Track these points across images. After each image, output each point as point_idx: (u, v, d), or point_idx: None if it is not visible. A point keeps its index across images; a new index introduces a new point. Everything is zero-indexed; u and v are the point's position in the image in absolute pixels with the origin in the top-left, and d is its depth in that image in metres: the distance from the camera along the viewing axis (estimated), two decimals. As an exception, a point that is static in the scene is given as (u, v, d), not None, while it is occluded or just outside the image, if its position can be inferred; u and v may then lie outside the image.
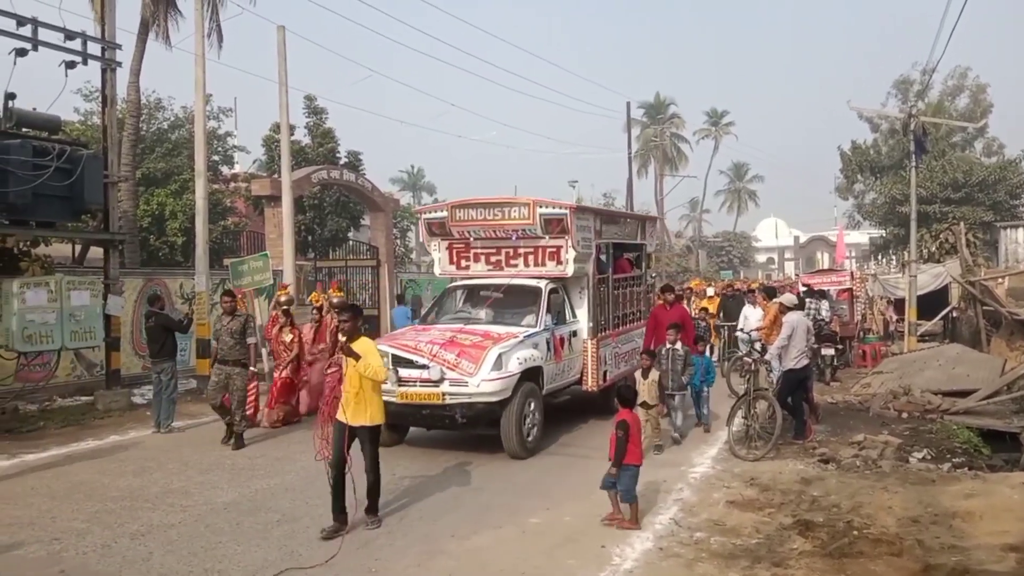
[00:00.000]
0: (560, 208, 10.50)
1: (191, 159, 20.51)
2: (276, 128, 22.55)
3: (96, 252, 16.18)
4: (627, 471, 6.88)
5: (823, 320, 16.22)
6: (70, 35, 12.97)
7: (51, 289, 12.16)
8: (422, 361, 9.21)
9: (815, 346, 12.62)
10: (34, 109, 12.96)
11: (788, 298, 11.42)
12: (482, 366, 9.07)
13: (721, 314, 18.47)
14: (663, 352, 10.22)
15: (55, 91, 13.10)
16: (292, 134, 21.03)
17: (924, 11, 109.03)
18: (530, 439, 9.59)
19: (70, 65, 13.00)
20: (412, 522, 7.05)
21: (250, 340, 10.30)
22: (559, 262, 10.73)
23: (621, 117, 50.89)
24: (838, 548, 6.24)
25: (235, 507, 7.50)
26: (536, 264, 10.89)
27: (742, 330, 14.23)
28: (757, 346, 13.60)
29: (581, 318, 11.25)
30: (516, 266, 11.01)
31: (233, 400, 10.22)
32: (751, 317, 14.97)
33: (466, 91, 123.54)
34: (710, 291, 21.12)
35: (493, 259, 11.24)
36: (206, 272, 15.09)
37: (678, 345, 10.33)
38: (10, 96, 12.14)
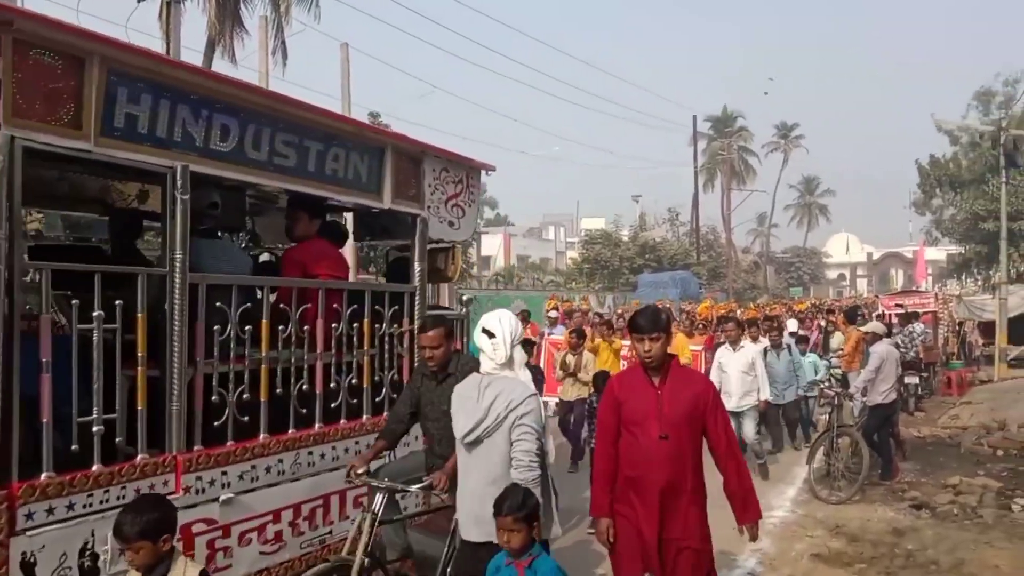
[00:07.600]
0: None
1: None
2: (339, 144, 22.58)
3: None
4: None
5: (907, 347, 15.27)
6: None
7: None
8: None
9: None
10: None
11: (875, 326, 10.63)
12: None
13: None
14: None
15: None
16: (355, 150, 21.01)
17: (1007, 18, 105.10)
18: None
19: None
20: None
21: None
22: None
23: (687, 130, 50.08)
24: (942, 617, 5.57)
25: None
26: None
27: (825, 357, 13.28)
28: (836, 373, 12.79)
29: None
30: None
31: None
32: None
33: (527, 105, 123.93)
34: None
35: None
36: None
37: None
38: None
